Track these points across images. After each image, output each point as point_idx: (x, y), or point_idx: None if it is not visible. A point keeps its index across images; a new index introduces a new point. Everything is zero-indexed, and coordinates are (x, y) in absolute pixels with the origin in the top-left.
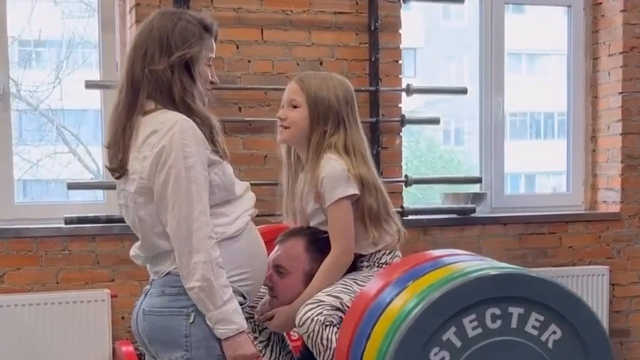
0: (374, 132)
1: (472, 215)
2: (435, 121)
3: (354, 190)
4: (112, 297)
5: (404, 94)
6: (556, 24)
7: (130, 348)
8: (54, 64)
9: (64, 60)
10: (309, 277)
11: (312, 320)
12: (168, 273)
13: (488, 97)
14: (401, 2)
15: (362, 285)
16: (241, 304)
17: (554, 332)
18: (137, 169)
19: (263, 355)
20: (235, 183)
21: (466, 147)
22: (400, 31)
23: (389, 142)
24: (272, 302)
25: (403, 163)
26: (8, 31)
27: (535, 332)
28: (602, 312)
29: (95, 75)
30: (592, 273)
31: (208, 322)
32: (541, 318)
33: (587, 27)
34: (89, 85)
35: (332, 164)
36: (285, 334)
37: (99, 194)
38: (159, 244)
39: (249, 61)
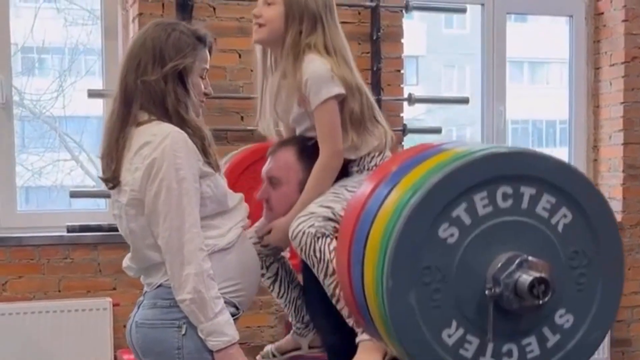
0: None
1: None
2: (437, 131)
3: (339, 89)
4: (114, 305)
5: (405, 103)
6: (558, 32)
7: (132, 356)
8: (57, 72)
9: (67, 69)
10: (303, 185)
11: (304, 232)
12: (160, 285)
13: (490, 105)
14: (403, 12)
15: (353, 192)
16: (234, 315)
17: (565, 216)
18: (129, 180)
19: (272, 291)
20: (228, 194)
21: None
22: (402, 41)
23: (391, 151)
24: (268, 216)
25: None
26: (11, 38)
27: (545, 214)
28: None
29: (98, 82)
30: None
31: (200, 334)
32: (552, 200)
33: (589, 36)
34: (92, 94)
35: (315, 64)
36: (291, 267)
37: (101, 202)
38: (150, 256)
39: (252, 70)
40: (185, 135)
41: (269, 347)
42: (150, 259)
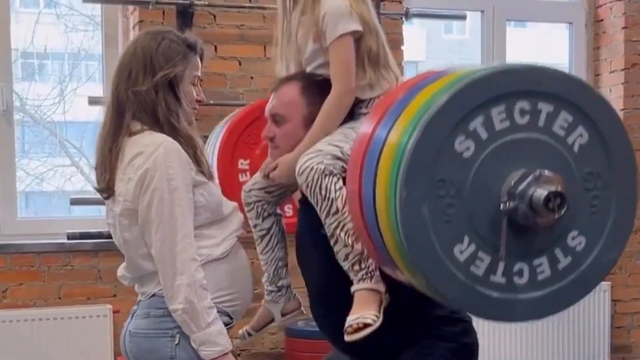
0: None
1: None
2: None
3: (357, 26)
4: (114, 312)
5: None
6: (557, 38)
7: None
8: (58, 77)
9: (68, 75)
10: (308, 121)
11: (312, 169)
12: (154, 295)
13: None
14: (403, 19)
15: None
16: (227, 324)
17: (581, 136)
18: (122, 190)
19: (258, 245)
20: (222, 203)
21: None
22: (402, 48)
23: None
24: (274, 154)
25: None
26: (12, 44)
27: (562, 133)
28: (604, 328)
29: (99, 88)
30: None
31: (192, 344)
32: (570, 119)
33: (589, 43)
34: (92, 101)
35: (334, 0)
36: (284, 227)
37: (102, 208)
38: (144, 266)
39: (252, 77)
40: (178, 145)
41: (242, 330)
42: (144, 269)
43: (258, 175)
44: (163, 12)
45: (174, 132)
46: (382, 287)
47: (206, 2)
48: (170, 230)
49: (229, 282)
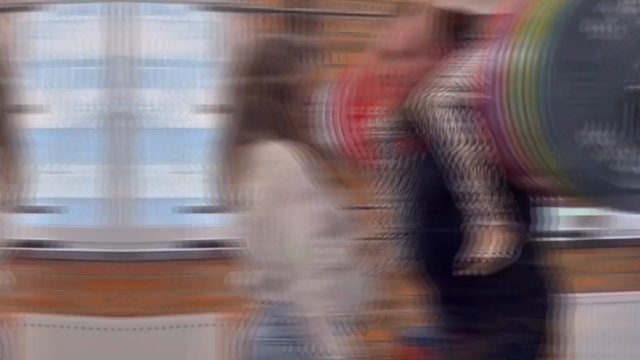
0: None
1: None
2: None
3: None
4: (222, 321)
5: None
6: None
7: None
8: (170, 84)
9: (181, 81)
10: (431, 50)
11: (422, 103)
12: (280, 302)
13: None
14: None
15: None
16: (342, 333)
17: None
18: (251, 199)
19: (383, 185)
20: (339, 212)
21: None
22: None
23: None
24: (401, 91)
25: None
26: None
27: None
28: None
29: (208, 96)
30: None
31: (317, 353)
32: None
33: None
34: (202, 109)
35: None
36: None
37: (210, 217)
38: (273, 274)
39: None
40: (299, 153)
41: None
42: (273, 276)
43: (384, 114)
44: (281, 20)
45: (291, 140)
46: (508, 223)
47: (319, 10)
48: (300, 239)
49: (348, 292)
